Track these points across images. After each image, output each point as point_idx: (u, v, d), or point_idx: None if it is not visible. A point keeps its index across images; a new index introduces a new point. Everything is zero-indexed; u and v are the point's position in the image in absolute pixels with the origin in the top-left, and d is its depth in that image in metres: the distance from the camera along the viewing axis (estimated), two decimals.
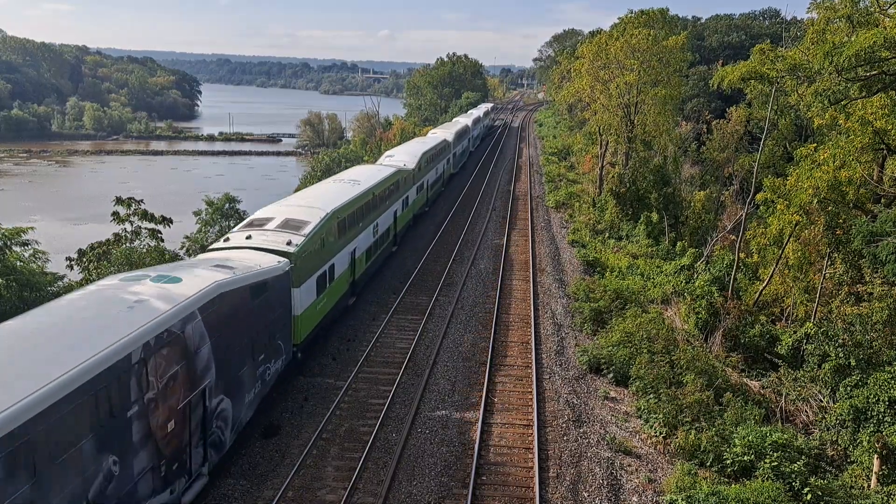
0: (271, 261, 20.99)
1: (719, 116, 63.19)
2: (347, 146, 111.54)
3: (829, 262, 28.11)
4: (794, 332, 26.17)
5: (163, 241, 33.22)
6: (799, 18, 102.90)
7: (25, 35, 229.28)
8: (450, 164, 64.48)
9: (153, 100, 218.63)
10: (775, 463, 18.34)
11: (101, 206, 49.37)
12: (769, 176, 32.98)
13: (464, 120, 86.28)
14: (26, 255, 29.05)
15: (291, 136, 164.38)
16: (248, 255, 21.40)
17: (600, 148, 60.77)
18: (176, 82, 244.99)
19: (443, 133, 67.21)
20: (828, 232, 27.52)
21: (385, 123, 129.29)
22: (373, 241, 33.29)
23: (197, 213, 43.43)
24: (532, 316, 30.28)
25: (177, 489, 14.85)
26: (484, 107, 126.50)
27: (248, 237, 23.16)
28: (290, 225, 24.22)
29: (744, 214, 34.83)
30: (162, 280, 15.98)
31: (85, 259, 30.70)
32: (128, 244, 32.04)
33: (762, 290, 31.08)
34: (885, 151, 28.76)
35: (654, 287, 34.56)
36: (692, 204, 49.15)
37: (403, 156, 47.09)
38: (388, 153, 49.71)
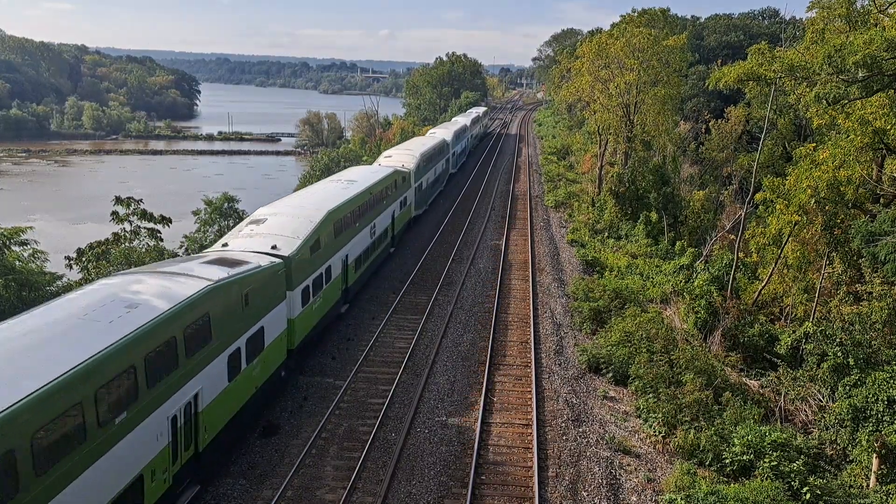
0: None
1: (718, 116, 63.25)
2: (346, 146, 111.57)
3: (828, 262, 28.13)
4: (794, 332, 26.17)
5: (162, 240, 33.27)
6: (798, 18, 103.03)
7: (24, 34, 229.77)
8: (407, 206, 43.51)
9: (152, 99, 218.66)
10: (774, 462, 18.36)
11: (100, 206, 49.33)
12: (768, 175, 33.01)
13: (441, 133, 67.03)
14: (25, 254, 29.08)
15: (291, 135, 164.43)
16: None
17: (600, 147, 60.82)
18: (175, 82, 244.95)
19: (400, 157, 46.61)
20: (826, 231, 27.55)
21: (384, 123, 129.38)
22: None
23: (196, 213, 43.45)
24: (531, 315, 30.29)
25: None
26: (475, 111, 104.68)
27: None
28: None
29: (743, 214, 34.84)
30: None
31: (84, 259, 30.72)
32: (127, 244, 32.06)
33: (761, 290, 31.10)
34: (884, 151, 28.77)
35: (654, 286, 34.58)
36: (691, 203, 49.22)
37: (287, 220, 25.21)
38: (256, 216, 25.99)
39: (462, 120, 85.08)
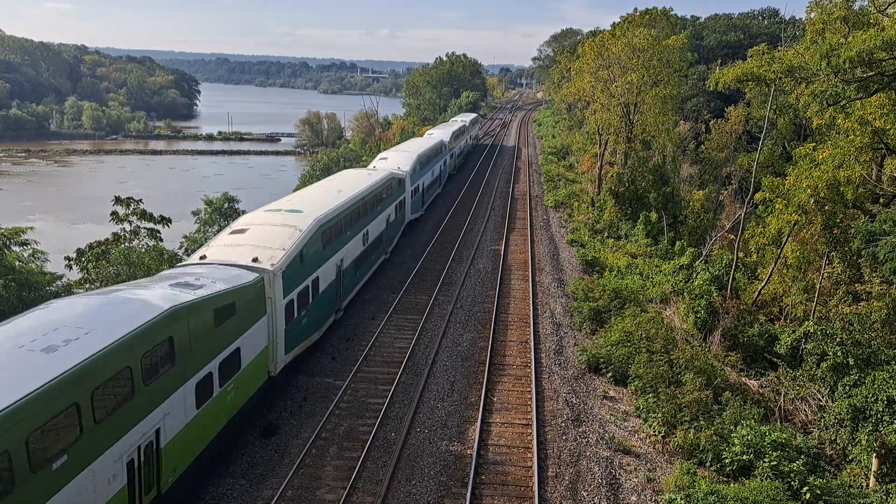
0: None
1: (718, 116, 63.35)
2: (346, 145, 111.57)
3: (828, 262, 28.15)
4: (793, 332, 26.20)
5: (162, 240, 33.27)
6: (797, 18, 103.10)
7: (24, 34, 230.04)
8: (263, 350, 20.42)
9: (152, 99, 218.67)
10: (774, 462, 18.36)
11: (100, 207, 49.36)
12: (768, 175, 33.03)
13: (396, 160, 44.59)
14: (25, 254, 29.08)
15: (290, 135, 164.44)
16: None
17: (599, 147, 60.81)
18: (174, 81, 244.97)
19: (270, 238, 22.75)
20: (826, 231, 27.57)
21: (384, 123, 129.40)
22: None
23: (196, 213, 43.46)
24: (531, 315, 30.30)
25: None
26: (461, 119, 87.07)
27: None
28: None
29: (742, 214, 34.86)
30: None
31: (84, 259, 30.73)
32: (126, 244, 32.07)
33: (761, 290, 31.11)
34: (884, 151, 28.79)
35: (653, 286, 34.59)
36: (691, 203, 49.25)
37: None
38: None
39: (440, 134, 65.71)
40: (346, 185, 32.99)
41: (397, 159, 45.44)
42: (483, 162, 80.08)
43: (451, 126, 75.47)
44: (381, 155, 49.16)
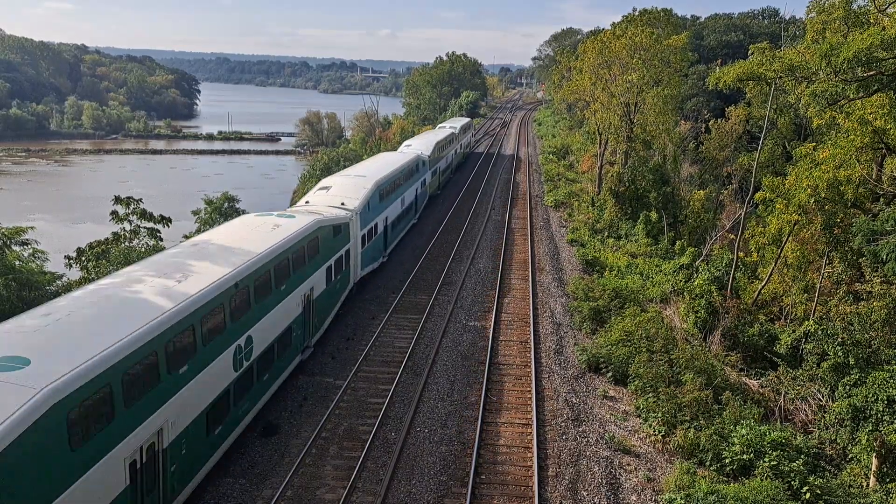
0: None
1: (718, 115, 63.27)
2: (346, 145, 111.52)
3: (828, 261, 28.14)
4: (793, 331, 26.18)
5: (162, 240, 33.27)
6: (798, 17, 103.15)
7: (24, 34, 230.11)
8: None
9: (152, 99, 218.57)
10: (774, 462, 18.36)
11: (100, 206, 49.34)
12: (768, 175, 33.00)
13: (342, 191, 32.40)
14: (25, 254, 29.11)
15: (290, 135, 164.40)
16: None
17: (599, 147, 60.80)
18: (175, 81, 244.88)
19: None
20: (826, 231, 27.56)
21: (384, 123, 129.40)
22: None
23: (196, 213, 43.47)
24: (531, 315, 30.29)
25: None
26: (450, 127, 73.81)
27: None
28: None
29: (743, 213, 34.84)
30: None
31: (84, 258, 30.73)
32: (127, 243, 32.08)
33: (761, 289, 31.11)
34: (884, 150, 28.77)
35: (653, 286, 34.59)
36: (691, 203, 49.21)
37: None
38: None
39: (418, 146, 53.12)
40: (221, 254, 19.11)
41: (344, 190, 32.40)
42: (481, 166, 79.34)
43: (434, 135, 62.15)
44: (322, 182, 34.92)
